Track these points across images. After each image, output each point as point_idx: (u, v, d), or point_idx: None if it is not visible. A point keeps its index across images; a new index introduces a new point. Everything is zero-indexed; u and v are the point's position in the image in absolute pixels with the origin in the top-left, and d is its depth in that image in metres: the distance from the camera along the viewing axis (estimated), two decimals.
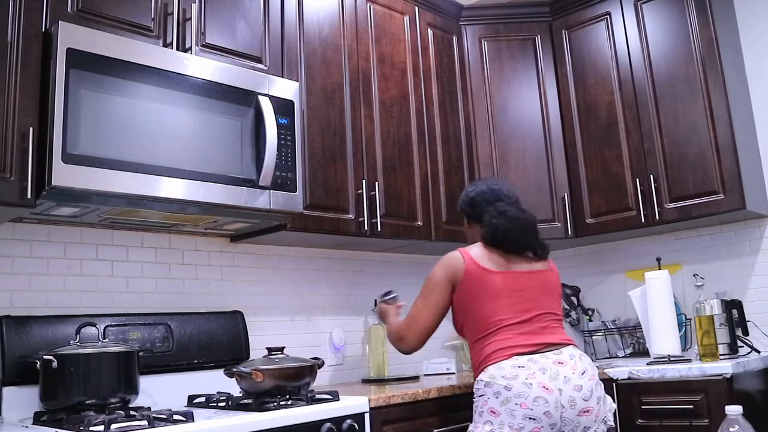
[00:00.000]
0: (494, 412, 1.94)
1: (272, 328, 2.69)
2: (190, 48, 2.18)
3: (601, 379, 2.54)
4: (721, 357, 2.62)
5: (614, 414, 2.08)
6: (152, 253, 2.39)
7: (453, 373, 3.03)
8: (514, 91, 3.32)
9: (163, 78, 2.01)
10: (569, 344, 2.09)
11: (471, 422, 2.03)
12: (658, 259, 3.03)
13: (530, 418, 1.91)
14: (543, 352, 2.01)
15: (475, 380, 2.05)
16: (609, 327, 3.23)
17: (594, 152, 3.18)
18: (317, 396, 2.04)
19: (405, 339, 2.20)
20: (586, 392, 1.96)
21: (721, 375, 2.37)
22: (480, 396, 2.00)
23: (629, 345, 3.20)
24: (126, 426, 1.65)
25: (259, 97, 2.23)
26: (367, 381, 2.86)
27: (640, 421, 2.50)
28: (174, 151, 1.99)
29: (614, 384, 2.57)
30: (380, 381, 2.81)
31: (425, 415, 2.25)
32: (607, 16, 3.21)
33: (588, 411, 1.96)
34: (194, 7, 2.22)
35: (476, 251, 2.15)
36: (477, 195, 2.26)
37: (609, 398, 2.09)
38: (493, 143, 3.26)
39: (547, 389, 1.93)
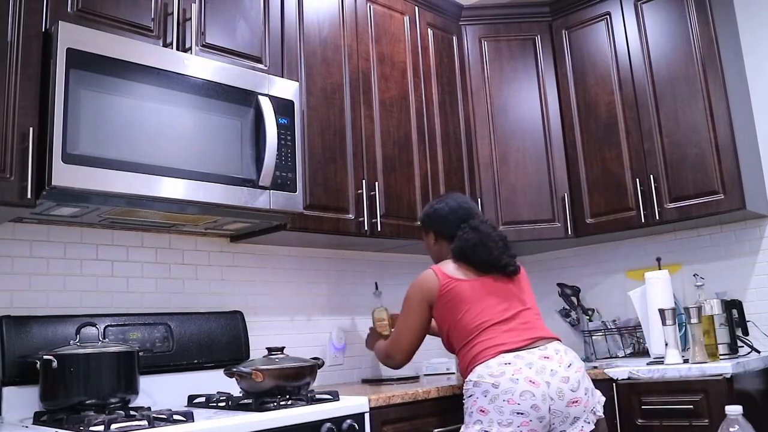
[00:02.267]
0: (483, 411, 1.98)
1: (272, 328, 2.69)
2: (190, 48, 2.18)
3: (601, 379, 2.57)
4: (721, 357, 2.62)
5: (603, 406, 2.11)
6: (152, 253, 2.39)
7: (453, 373, 3.02)
8: (514, 91, 3.32)
9: (163, 78, 2.01)
10: (554, 339, 2.13)
11: (462, 424, 2.06)
12: (658, 259, 3.04)
13: (518, 413, 1.94)
14: (529, 348, 2.05)
15: (464, 382, 2.09)
16: (609, 327, 3.23)
17: (594, 152, 3.18)
18: (317, 396, 2.04)
19: (391, 357, 2.32)
20: (574, 383, 2.00)
21: (721, 375, 2.37)
22: (469, 396, 2.04)
23: (629, 345, 3.20)
24: (126, 426, 1.65)
25: (259, 97, 2.23)
26: (366, 381, 2.86)
27: (640, 421, 2.50)
28: (174, 151, 1.99)
29: (614, 384, 2.57)
30: (379, 381, 2.81)
31: (425, 415, 2.25)
32: (607, 16, 3.21)
33: (576, 401, 1.99)
34: (194, 7, 2.22)
35: (449, 266, 2.22)
36: (450, 212, 2.31)
37: (597, 392, 2.13)
38: (493, 143, 3.26)
39: (533, 383, 1.96)
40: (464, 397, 2.07)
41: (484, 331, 2.09)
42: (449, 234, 2.29)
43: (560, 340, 2.16)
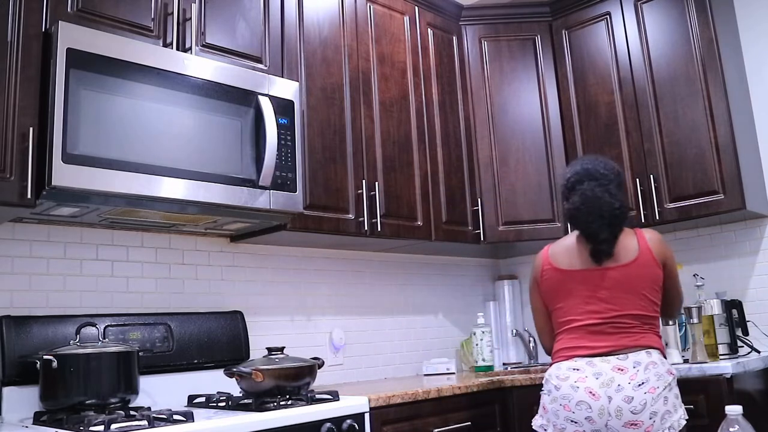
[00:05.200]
0: (545, 409, 2.04)
1: (272, 328, 2.69)
2: (190, 48, 2.18)
3: None
4: (721, 357, 2.62)
5: (682, 430, 1.93)
6: (152, 253, 2.39)
7: (453, 373, 3.03)
8: (514, 91, 3.32)
9: (163, 78, 2.01)
10: (642, 349, 1.99)
11: None
12: None
13: (572, 421, 1.95)
14: (605, 356, 1.98)
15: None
16: None
17: (594, 152, 3.17)
18: (317, 396, 2.04)
19: (542, 345, 2.29)
20: (637, 405, 1.89)
21: (721, 375, 2.37)
22: (541, 391, 2.10)
23: None
24: (126, 426, 1.65)
25: (259, 97, 2.23)
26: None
27: None
28: (174, 151, 1.99)
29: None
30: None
31: (425, 415, 2.25)
32: (607, 16, 3.21)
33: (636, 424, 1.89)
34: (194, 7, 2.22)
35: (558, 247, 2.17)
36: (570, 176, 2.17)
37: (678, 414, 1.93)
38: (493, 143, 3.26)
39: (593, 395, 1.93)
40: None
41: (568, 330, 2.09)
42: (566, 198, 2.17)
43: (656, 349, 2.00)
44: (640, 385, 1.91)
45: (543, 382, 2.10)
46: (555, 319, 2.16)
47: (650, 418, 1.89)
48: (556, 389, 1.99)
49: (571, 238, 2.18)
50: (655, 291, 2.07)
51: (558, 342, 2.11)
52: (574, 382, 1.96)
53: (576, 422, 1.93)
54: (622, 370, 1.94)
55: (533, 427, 2.08)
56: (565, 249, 2.15)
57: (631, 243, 2.08)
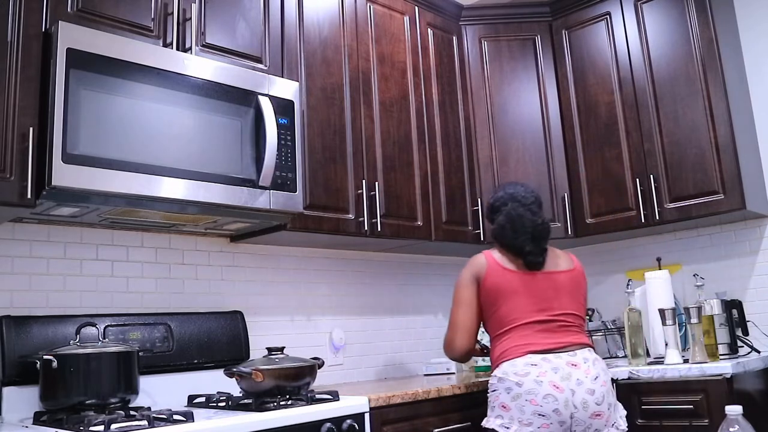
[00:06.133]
0: (505, 407, 2.03)
1: (272, 328, 2.69)
2: (190, 48, 2.18)
3: None
4: (721, 357, 2.62)
5: (626, 419, 2.13)
6: (152, 253, 2.39)
7: (453, 373, 3.03)
8: (514, 91, 3.32)
9: (163, 78, 2.01)
10: (585, 347, 2.13)
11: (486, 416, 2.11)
12: (658, 259, 3.04)
13: (539, 414, 1.97)
14: (557, 352, 2.07)
15: (490, 375, 2.14)
16: (609, 327, 3.23)
17: (594, 152, 3.18)
18: (317, 396, 2.04)
19: (450, 345, 2.28)
20: (599, 397, 2.01)
21: (721, 375, 2.37)
22: (493, 391, 2.09)
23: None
24: (126, 426, 1.65)
25: (259, 97, 2.23)
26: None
27: (640, 421, 2.50)
28: (174, 151, 1.99)
29: (614, 384, 2.57)
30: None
31: (425, 415, 2.25)
32: (607, 16, 3.21)
33: (600, 415, 2.01)
34: (194, 7, 2.22)
35: (497, 254, 2.25)
36: (495, 201, 2.35)
37: (620, 405, 2.13)
38: (493, 143, 3.26)
39: (557, 388, 1.98)
40: (488, 390, 2.13)
41: (516, 328, 2.12)
42: (491, 220, 2.35)
43: (592, 347, 2.16)
44: (595, 378, 2.04)
45: (493, 381, 2.10)
46: (499, 318, 2.17)
47: (608, 409, 2.03)
48: (518, 386, 2.01)
49: (500, 250, 2.26)
50: (585, 299, 2.29)
51: (505, 340, 2.13)
52: (537, 377, 2.00)
53: (543, 415, 1.97)
54: (575, 365, 2.04)
55: (490, 428, 2.04)
56: (500, 256, 2.24)
57: (565, 256, 2.31)
